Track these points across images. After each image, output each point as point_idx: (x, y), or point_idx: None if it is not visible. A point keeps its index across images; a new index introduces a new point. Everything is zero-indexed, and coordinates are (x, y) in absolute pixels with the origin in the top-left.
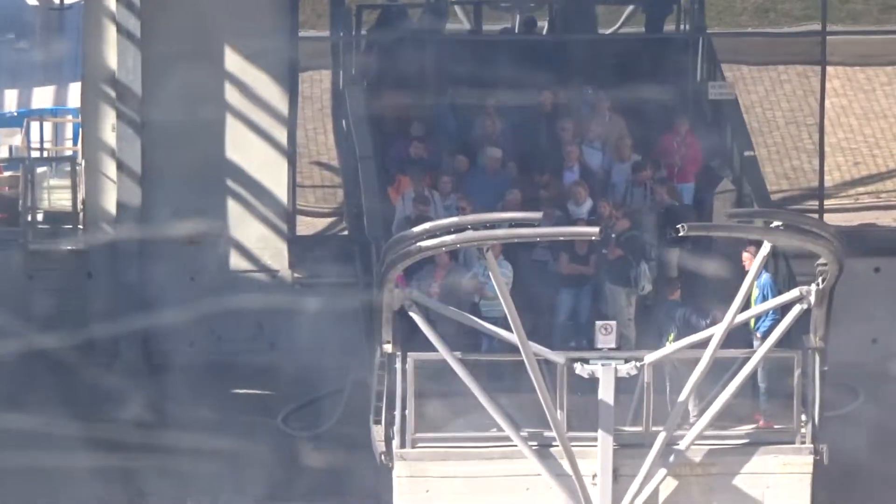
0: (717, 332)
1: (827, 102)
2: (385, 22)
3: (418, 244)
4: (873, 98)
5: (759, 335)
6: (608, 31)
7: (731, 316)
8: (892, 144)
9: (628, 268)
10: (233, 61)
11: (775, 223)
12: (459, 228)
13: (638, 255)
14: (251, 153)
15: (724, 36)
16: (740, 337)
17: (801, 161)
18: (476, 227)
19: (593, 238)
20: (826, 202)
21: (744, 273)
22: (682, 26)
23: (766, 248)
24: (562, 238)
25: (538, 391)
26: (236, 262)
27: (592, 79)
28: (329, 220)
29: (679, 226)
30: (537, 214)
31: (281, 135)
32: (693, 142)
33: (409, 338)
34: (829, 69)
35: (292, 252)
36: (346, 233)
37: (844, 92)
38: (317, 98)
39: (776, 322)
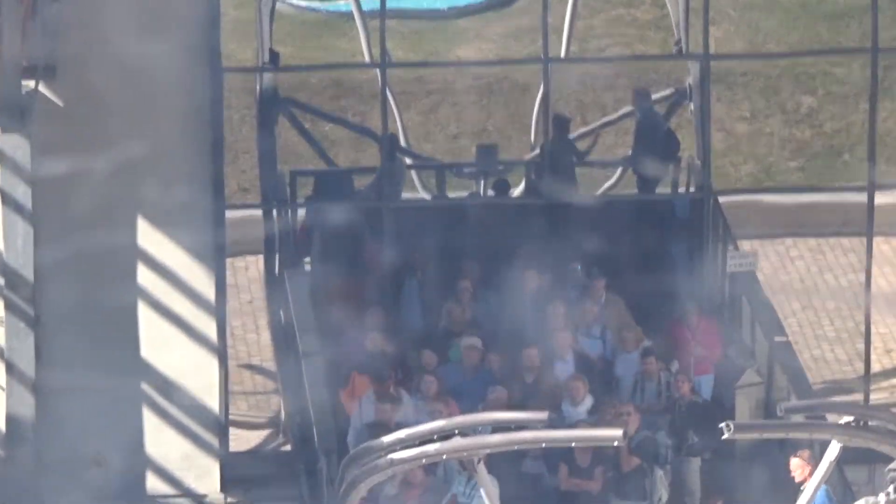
0: None
1: (843, 280)
2: (325, 190)
3: (389, 457)
4: None
5: None
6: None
7: None
8: None
9: (643, 478)
10: (148, 240)
11: (847, 419)
12: (443, 435)
13: (651, 460)
14: (171, 351)
15: (736, 194)
16: None
17: (823, 351)
18: (465, 432)
19: (615, 444)
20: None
21: (790, 485)
22: (684, 188)
23: (833, 450)
24: (575, 444)
25: None
26: (154, 485)
27: (583, 252)
28: (265, 432)
29: (725, 424)
30: (543, 415)
31: (208, 328)
32: (710, 327)
33: None
34: (845, 241)
35: (225, 472)
36: (287, 448)
37: (864, 266)
38: (244, 288)
39: None
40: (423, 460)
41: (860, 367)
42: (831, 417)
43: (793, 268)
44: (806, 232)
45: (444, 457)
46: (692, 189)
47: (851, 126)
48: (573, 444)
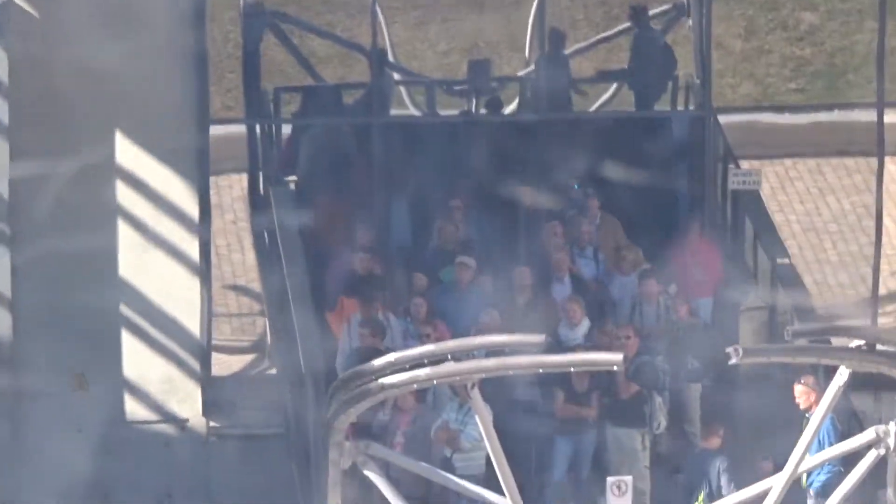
0: (776, 488)
1: (846, 203)
2: (313, 106)
3: (380, 381)
4: None
5: (811, 493)
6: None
7: (793, 467)
8: None
9: (642, 404)
10: (128, 156)
11: (857, 343)
12: (435, 360)
13: (650, 386)
14: (152, 272)
15: (739, 113)
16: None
17: (825, 275)
18: (457, 356)
19: (615, 369)
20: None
21: (794, 413)
22: (682, 105)
23: (842, 376)
24: (573, 369)
25: None
26: (134, 409)
27: (577, 170)
28: (249, 356)
29: (733, 348)
30: (540, 338)
31: (191, 248)
32: (709, 249)
33: None
34: (849, 161)
35: (207, 397)
36: (272, 372)
37: (869, 187)
38: (228, 207)
39: (836, 475)
40: (415, 385)
41: (864, 291)
42: (838, 342)
43: (792, 189)
44: (806, 152)
45: (436, 382)
46: (690, 108)
47: (855, 45)
48: (570, 370)
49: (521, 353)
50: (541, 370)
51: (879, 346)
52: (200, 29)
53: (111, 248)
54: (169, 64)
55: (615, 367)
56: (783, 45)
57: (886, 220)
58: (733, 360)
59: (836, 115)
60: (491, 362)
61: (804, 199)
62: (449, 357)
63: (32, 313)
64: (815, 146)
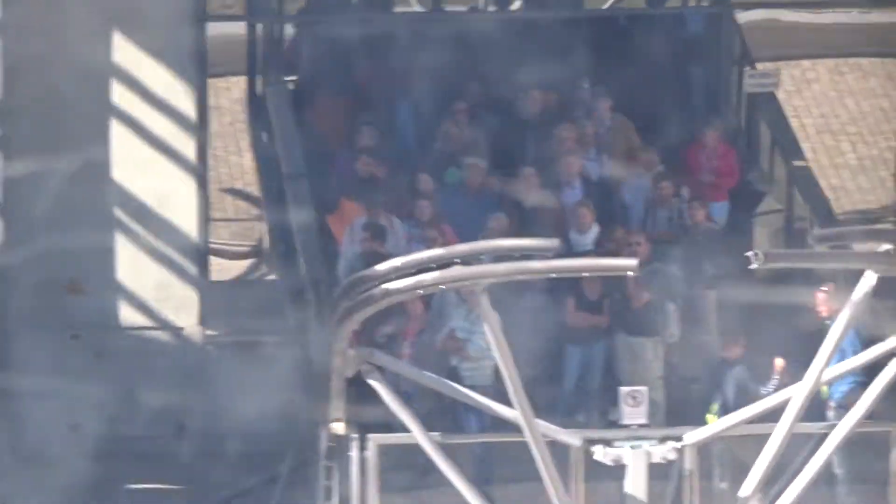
0: (796, 398)
1: (865, 104)
2: (316, 4)
3: (384, 286)
4: None
5: (832, 404)
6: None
7: (814, 377)
8: None
9: (655, 313)
10: (125, 56)
11: (886, 247)
12: (442, 264)
13: (663, 293)
14: (147, 174)
15: (759, 8)
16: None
17: (843, 179)
18: (466, 261)
19: (629, 274)
20: None
21: (813, 320)
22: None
23: (868, 281)
24: (588, 274)
25: (548, 485)
26: (128, 316)
27: (588, 70)
28: (247, 261)
29: (754, 253)
30: (553, 242)
31: (188, 150)
32: (727, 152)
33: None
34: (864, 62)
35: (205, 303)
36: (272, 277)
37: (886, 91)
38: (226, 110)
39: (858, 385)
40: (420, 291)
41: (883, 195)
42: (861, 248)
43: (809, 92)
44: (825, 53)
45: (443, 287)
46: (704, 3)
47: None
48: (583, 276)
49: (533, 258)
50: (553, 275)
51: None
52: None
53: (105, 150)
54: None
55: (630, 273)
56: None
57: None
58: (754, 265)
59: (855, 16)
60: (501, 267)
61: (821, 103)
62: (457, 261)
63: (24, 218)
64: (835, 47)
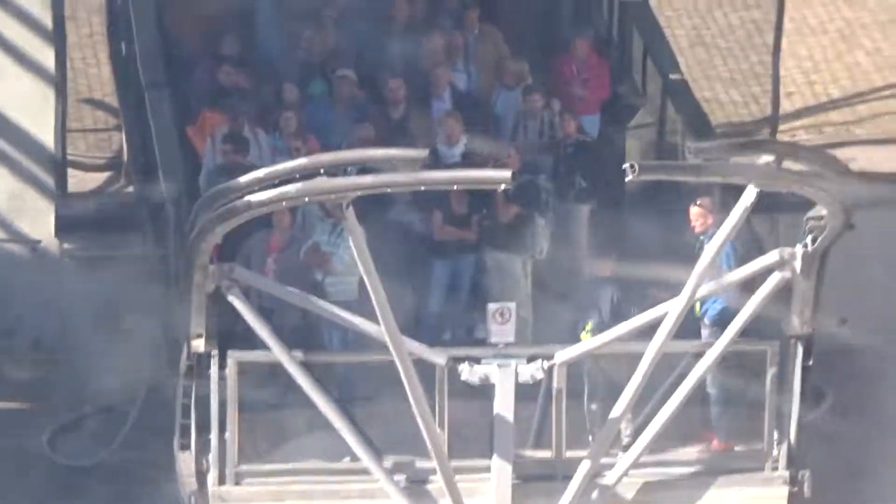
0: (671, 314)
1: (734, 17)
2: None
3: (247, 199)
4: (804, 9)
5: (706, 322)
6: None
7: (690, 292)
8: (833, 66)
9: (524, 227)
10: None
11: (766, 159)
12: (307, 175)
13: (532, 207)
14: (2, 82)
15: None
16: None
17: (716, 91)
18: (331, 172)
19: (502, 186)
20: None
21: (685, 235)
22: None
23: (749, 195)
24: (458, 186)
25: (413, 405)
26: None
27: None
28: (105, 174)
29: (629, 165)
30: (423, 152)
31: (45, 58)
32: (597, 63)
33: (229, 332)
34: None
35: (61, 216)
36: (129, 189)
37: (758, 3)
38: (83, 21)
39: (733, 302)
40: (284, 203)
41: (756, 109)
42: (740, 160)
43: (680, 3)
44: None
45: (307, 199)
46: None
47: None
48: (453, 188)
49: (400, 169)
50: (422, 188)
51: (787, 163)
52: None
53: None
54: None
55: (503, 186)
56: None
57: (770, 38)
58: (629, 178)
59: None
60: (368, 179)
61: (692, 14)
62: (322, 172)
63: None
64: None
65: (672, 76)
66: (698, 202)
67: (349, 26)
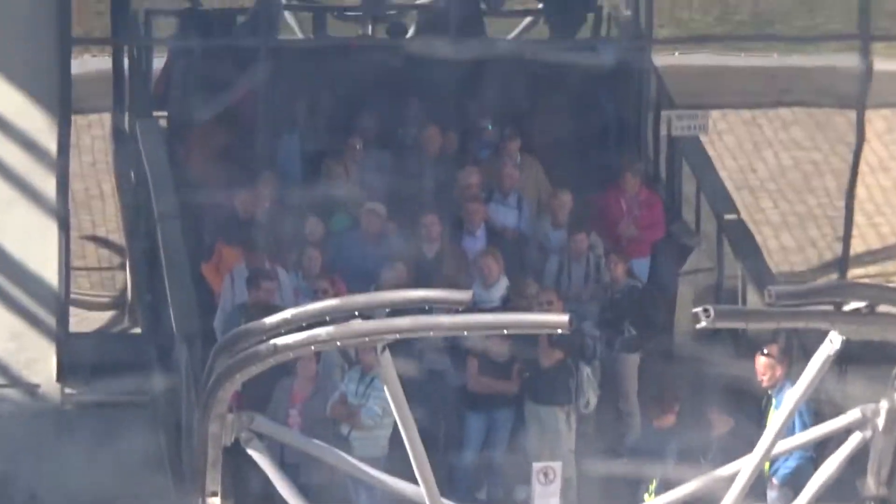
0: (744, 471)
1: (786, 157)
2: (189, 31)
3: (272, 342)
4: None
5: (775, 482)
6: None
7: (767, 447)
8: None
9: (567, 377)
10: None
11: (854, 304)
12: (338, 317)
13: (576, 356)
14: (3, 215)
15: (685, 43)
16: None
17: (765, 237)
18: (365, 314)
19: (559, 331)
20: None
21: (753, 388)
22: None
23: (833, 344)
24: (510, 330)
25: None
26: None
27: (492, 108)
28: (109, 313)
29: (703, 309)
30: (468, 293)
31: (47, 188)
32: (649, 199)
33: (246, 488)
34: (785, 112)
35: (63, 357)
36: (137, 330)
37: (816, 144)
38: (87, 149)
39: (807, 462)
40: (313, 347)
41: (813, 254)
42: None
43: (721, 144)
44: (737, 102)
45: (340, 343)
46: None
47: None
48: (504, 332)
49: (441, 312)
50: (465, 333)
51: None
52: None
53: None
54: None
55: (560, 330)
56: None
57: (829, 180)
58: (703, 323)
59: (770, 60)
60: (407, 321)
61: (736, 155)
62: (356, 314)
63: None
64: (748, 95)
65: (727, 216)
66: (766, 350)
67: (376, 157)
